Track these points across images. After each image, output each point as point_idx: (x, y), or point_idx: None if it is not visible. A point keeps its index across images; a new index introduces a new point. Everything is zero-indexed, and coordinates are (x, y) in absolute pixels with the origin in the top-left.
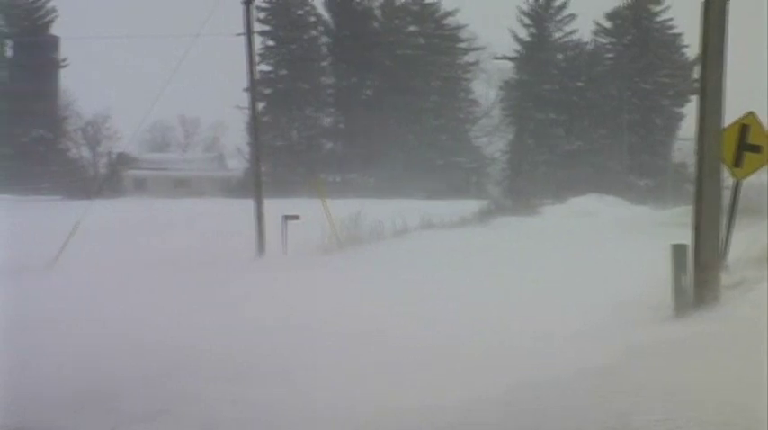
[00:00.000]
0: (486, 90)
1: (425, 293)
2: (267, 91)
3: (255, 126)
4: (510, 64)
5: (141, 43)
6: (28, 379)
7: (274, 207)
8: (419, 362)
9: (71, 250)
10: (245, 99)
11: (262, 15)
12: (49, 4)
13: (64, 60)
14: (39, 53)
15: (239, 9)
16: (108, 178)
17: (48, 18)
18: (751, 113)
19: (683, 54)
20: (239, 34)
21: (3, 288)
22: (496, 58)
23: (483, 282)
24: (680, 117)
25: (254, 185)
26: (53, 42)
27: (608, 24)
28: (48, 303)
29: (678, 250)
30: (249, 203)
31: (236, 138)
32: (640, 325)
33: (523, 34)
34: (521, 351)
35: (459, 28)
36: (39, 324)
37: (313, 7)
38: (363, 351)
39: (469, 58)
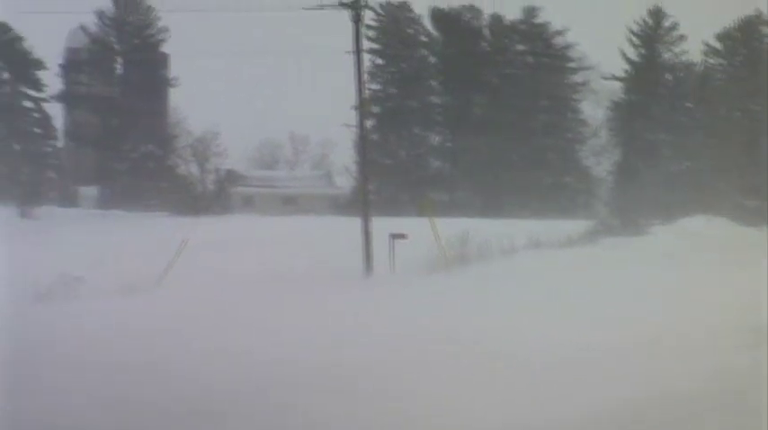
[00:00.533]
0: (594, 110)
1: (531, 311)
2: (376, 109)
3: (364, 144)
4: (619, 84)
5: (251, 61)
6: (135, 392)
7: (382, 225)
8: (531, 377)
9: (179, 266)
10: (353, 117)
11: (371, 34)
12: (161, 23)
13: (174, 79)
14: (149, 70)
15: (349, 27)
16: (216, 195)
17: (159, 37)
18: None
19: None
20: (348, 52)
21: (113, 305)
22: (605, 78)
23: (590, 301)
24: None
25: (361, 203)
26: (163, 60)
27: (718, 45)
28: (156, 320)
29: None
30: (357, 221)
31: (344, 155)
32: (751, 346)
33: (633, 54)
34: (636, 368)
35: (568, 47)
36: (147, 341)
37: (423, 26)
38: (472, 367)
39: (578, 77)
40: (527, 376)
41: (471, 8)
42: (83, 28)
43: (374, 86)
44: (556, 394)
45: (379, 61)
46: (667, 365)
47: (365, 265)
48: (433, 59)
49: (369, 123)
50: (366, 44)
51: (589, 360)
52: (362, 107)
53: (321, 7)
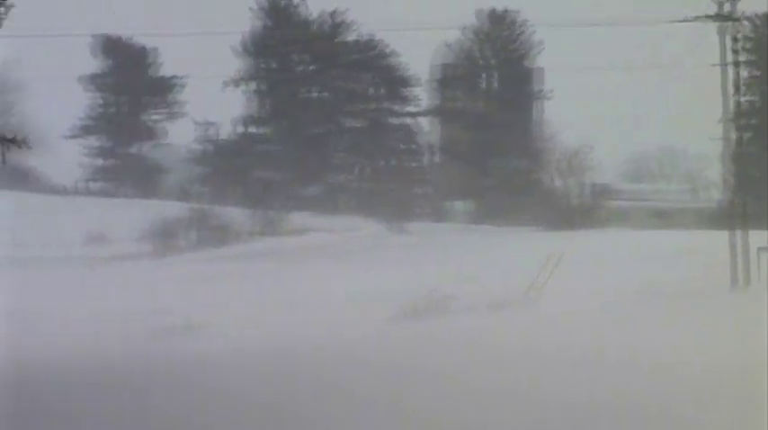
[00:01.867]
0: None
1: None
2: (749, 121)
3: (736, 158)
4: None
5: (622, 74)
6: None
7: (753, 239)
8: None
9: (553, 281)
10: (721, 130)
11: (741, 45)
12: (535, 37)
13: (549, 92)
14: (522, 85)
15: (716, 40)
16: (589, 209)
17: (533, 51)
18: None
19: None
20: (714, 65)
21: (483, 323)
22: None
23: None
24: None
25: (730, 217)
26: (538, 74)
27: None
28: (526, 340)
29: None
30: (726, 235)
31: (714, 169)
32: None
33: None
34: None
35: None
36: (517, 362)
37: None
38: None
39: None
40: None
41: None
42: (449, 45)
43: (749, 98)
44: None
45: (755, 73)
46: None
47: (732, 278)
48: None
49: (742, 136)
50: (735, 56)
51: None
52: (729, 121)
53: (689, 20)
